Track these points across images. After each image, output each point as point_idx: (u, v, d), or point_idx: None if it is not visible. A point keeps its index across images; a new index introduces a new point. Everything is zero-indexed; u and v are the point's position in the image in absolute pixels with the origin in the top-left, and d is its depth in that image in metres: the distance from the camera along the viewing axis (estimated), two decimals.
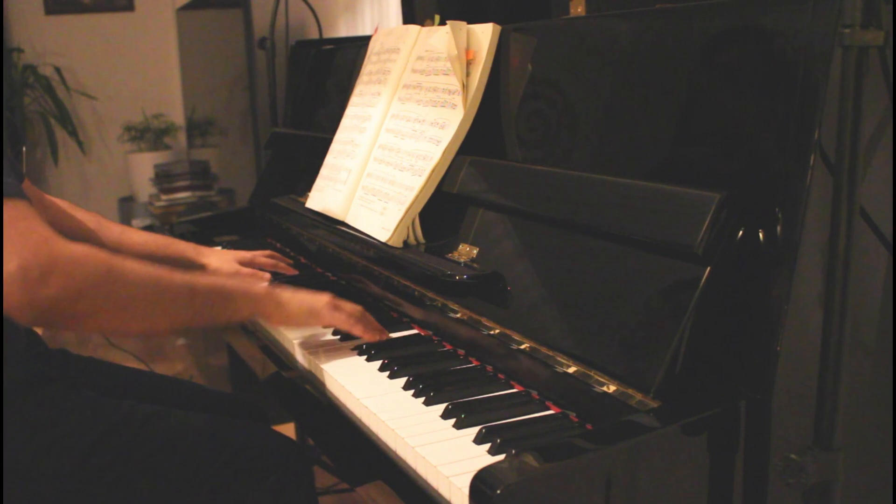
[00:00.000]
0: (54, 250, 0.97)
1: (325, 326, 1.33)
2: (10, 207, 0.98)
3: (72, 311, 1.00)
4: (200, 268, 1.71)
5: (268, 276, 1.68)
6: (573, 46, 1.23)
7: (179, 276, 1.12)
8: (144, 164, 4.88)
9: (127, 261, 1.06)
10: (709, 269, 0.91)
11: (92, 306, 1.02)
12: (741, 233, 0.91)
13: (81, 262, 0.99)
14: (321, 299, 1.29)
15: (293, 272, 1.75)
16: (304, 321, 1.29)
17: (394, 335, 1.34)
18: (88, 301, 1.01)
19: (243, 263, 1.71)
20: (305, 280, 1.69)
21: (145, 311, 1.08)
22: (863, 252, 0.91)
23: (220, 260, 1.71)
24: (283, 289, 1.29)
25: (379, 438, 1.05)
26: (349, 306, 1.30)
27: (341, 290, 1.44)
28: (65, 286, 0.97)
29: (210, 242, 1.95)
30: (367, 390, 1.14)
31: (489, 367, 1.18)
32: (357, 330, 1.29)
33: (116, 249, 1.54)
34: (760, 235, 0.90)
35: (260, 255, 1.75)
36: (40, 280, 0.95)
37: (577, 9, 1.48)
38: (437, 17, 1.57)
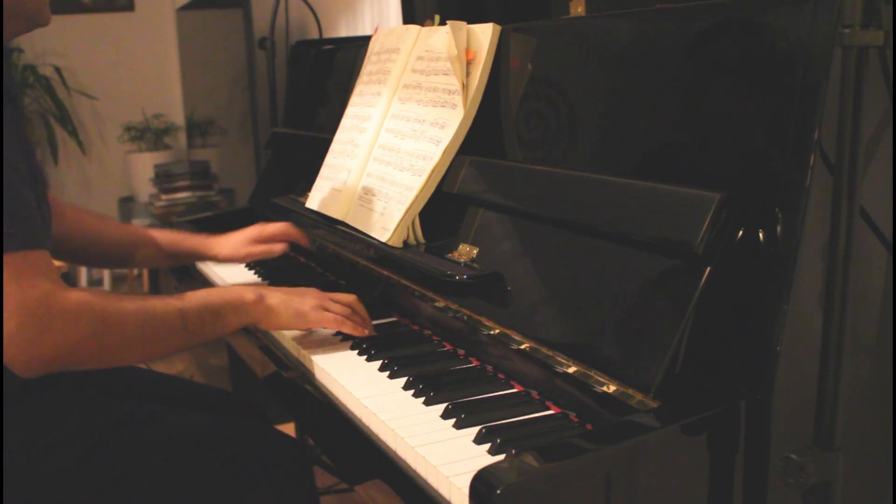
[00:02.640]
0: (52, 307, 1.03)
1: (313, 328, 1.35)
2: (14, 260, 1.02)
3: (71, 362, 1.08)
4: (212, 260, 1.74)
5: (279, 247, 1.69)
6: (573, 46, 1.23)
7: (171, 306, 1.18)
8: (144, 164, 4.88)
9: (122, 302, 1.13)
10: (709, 269, 0.91)
11: (90, 354, 1.09)
12: (741, 233, 0.91)
13: (77, 317, 1.05)
14: (308, 301, 1.31)
15: (305, 242, 1.74)
16: (294, 324, 1.32)
17: (393, 335, 1.34)
18: (86, 351, 1.08)
19: (252, 241, 1.70)
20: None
21: (142, 347, 1.15)
22: (863, 252, 0.91)
23: (230, 248, 1.70)
24: (273, 292, 1.31)
25: (379, 438, 1.05)
26: (338, 306, 1.32)
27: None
28: (61, 343, 1.04)
29: None
30: (367, 390, 1.14)
31: (489, 367, 1.18)
32: (345, 328, 1.31)
33: (128, 251, 1.61)
34: (760, 235, 0.90)
35: (269, 228, 1.73)
36: (37, 339, 1.02)
37: (577, 9, 1.48)
38: (437, 17, 1.57)
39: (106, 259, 1.71)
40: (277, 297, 1.30)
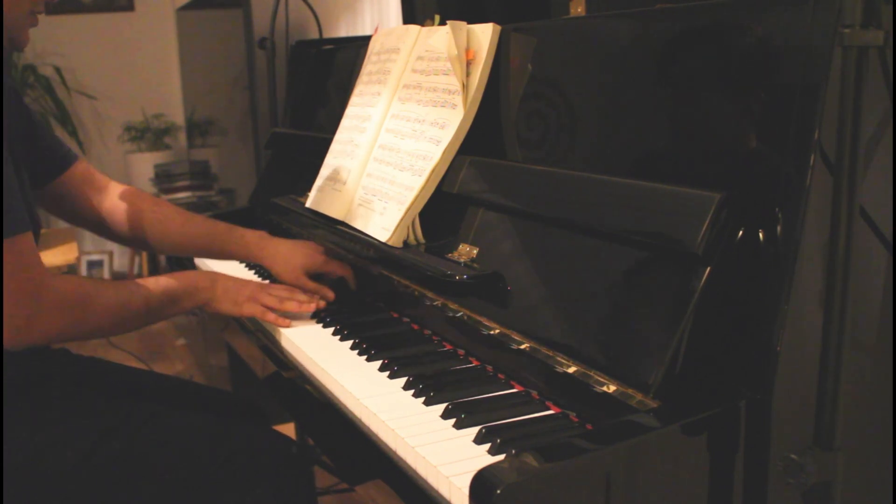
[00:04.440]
0: (41, 297, 1.14)
1: (245, 316, 1.46)
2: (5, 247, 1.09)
3: (54, 341, 1.25)
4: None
5: (323, 303, 1.48)
6: (573, 46, 1.23)
7: (139, 295, 1.31)
8: (144, 164, 4.89)
9: (103, 292, 1.26)
10: (709, 269, 0.91)
11: (69, 336, 1.24)
12: (741, 233, 0.91)
13: (63, 307, 1.18)
14: (245, 292, 1.44)
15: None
16: (230, 311, 1.44)
17: (393, 335, 1.34)
18: (67, 334, 1.22)
19: (311, 274, 1.56)
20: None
21: (110, 329, 1.29)
22: (863, 252, 0.91)
23: (284, 268, 1.56)
24: (223, 281, 1.44)
25: (379, 438, 1.05)
26: (270, 298, 1.44)
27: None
28: (48, 328, 1.16)
29: None
30: (367, 390, 1.14)
31: (489, 367, 1.18)
32: (268, 318, 1.44)
33: (179, 243, 1.65)
34: (760, 235, 0.90)
35: (333, 263, 1.58)
36: (25, 324, 1.13)
37: (577, 9, 1.48)
38: (437, 17, 1.57)
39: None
40: (223, 286, 1.43)
